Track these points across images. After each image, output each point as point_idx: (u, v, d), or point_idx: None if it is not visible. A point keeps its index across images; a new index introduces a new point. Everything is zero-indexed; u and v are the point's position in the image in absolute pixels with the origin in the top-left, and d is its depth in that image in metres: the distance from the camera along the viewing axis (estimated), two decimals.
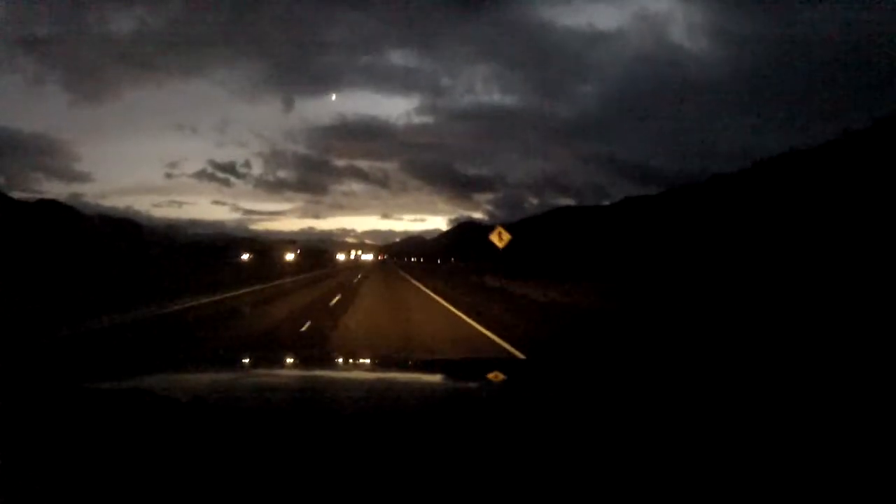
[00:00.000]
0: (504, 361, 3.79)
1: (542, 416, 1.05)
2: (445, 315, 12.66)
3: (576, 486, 0.72)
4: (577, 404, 1.21)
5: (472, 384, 1.55)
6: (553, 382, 1.54)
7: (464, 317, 12.00)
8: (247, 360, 1.99)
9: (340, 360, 2.17)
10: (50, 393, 1.07)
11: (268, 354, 3.38)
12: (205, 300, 14.77)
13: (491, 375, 1.66)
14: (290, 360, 2.08)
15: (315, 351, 6.07)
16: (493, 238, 21.35)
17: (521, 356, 6.62)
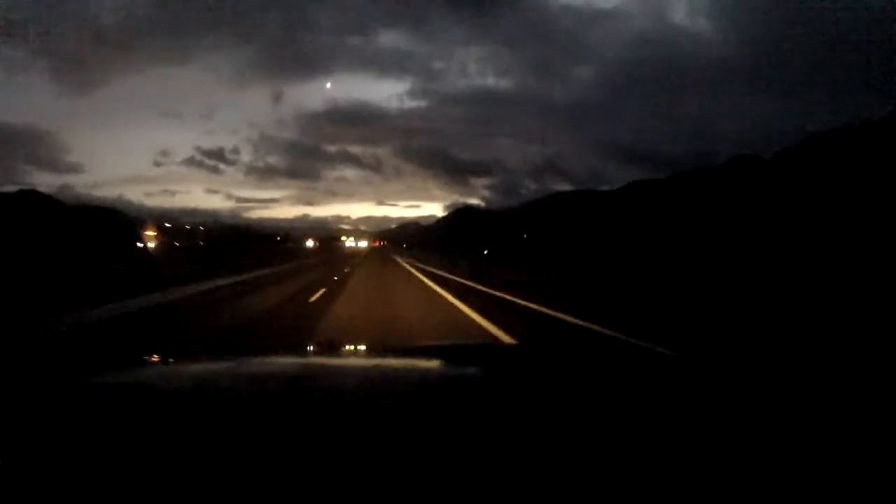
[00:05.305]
0: (501, 347, 3.81)
1: (543, 405, 1.05)
2: None
3: (576, 473, 0.71)
4: (575, 393, 1.18)
5: (471, 371, 1.53)
6: (553, 370, 1.50)
7: None
8: (242, 349, 2.06)
9: (336, 347, 2.22)
10: (43, 389, 1.10)
11: (262, 343, 4.16)
12: None
13: (491, 361, 1.68)
14: (284, 348, 2.26)
15: (310, 339, 6.27)
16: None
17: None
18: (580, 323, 7.71)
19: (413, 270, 24.96)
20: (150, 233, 58.05)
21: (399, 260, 43.73)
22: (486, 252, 65.58)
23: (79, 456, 0.73)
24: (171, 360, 1.57)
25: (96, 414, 0.91)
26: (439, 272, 22.55)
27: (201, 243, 62.48)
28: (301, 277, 19.82)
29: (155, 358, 1.57)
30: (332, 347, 2.17)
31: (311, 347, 2.29)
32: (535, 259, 39.02)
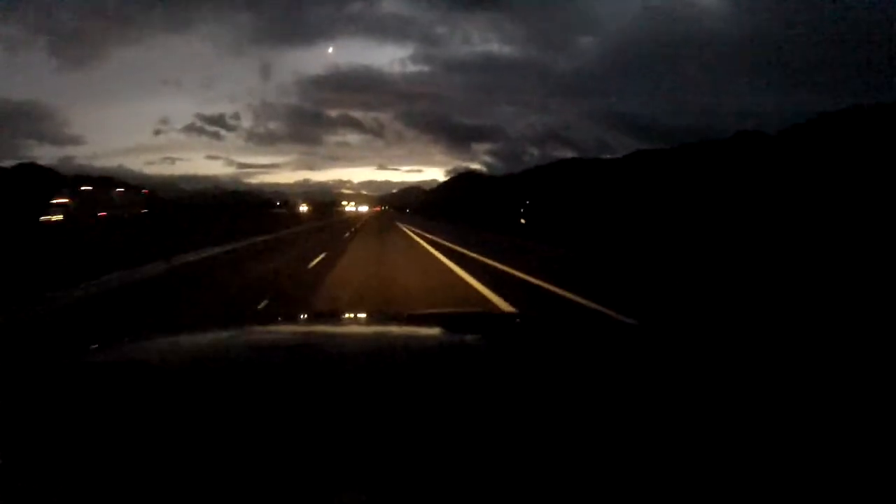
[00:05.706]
0: (498, 315, 3.75)
1: (545, 375, 1.05)
2: None
3: (580, 445, 0.70)
4: (579, 363, 1.17)
5: (469, 338, 1.52)
6: (542, 339, 1.49)
7: None
8: (241, 321, 2.13)
9: (337, 316, 2.26)
10: (42, 368, 1.10)
11: (262, 314, 4.10)
12: None
13: (488, 329, 1.67)
14: (283, 319, 2.26)
15: (309, 309, 6.22)
16: None
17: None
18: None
19: (441, 257, 13.50)
20: (62, 200, 37.05)
21: (406, 230, 29.41)
22: (523, 221, 43.21)
23: (78, 436, 0.73)
24: (165, 334, 1.57)
25: (93, 393, 0.91)
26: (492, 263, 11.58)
27: (144, 212, 44.08)
28: (236, 278, 10.17)
29: (149, 334, 1.56)
30: (333, 316, 2.18)
31: (310, 317, 2.28)
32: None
